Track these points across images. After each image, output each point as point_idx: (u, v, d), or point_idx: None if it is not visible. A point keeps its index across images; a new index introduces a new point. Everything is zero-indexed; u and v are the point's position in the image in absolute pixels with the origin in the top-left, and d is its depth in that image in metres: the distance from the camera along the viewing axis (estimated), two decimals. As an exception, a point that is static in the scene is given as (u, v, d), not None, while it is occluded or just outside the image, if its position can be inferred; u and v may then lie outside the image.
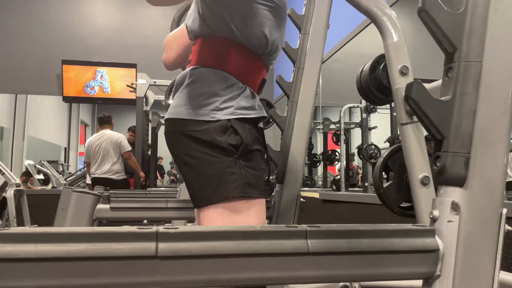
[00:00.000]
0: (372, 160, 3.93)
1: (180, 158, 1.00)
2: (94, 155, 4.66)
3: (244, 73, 1.03)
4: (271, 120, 1.65)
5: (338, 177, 4.42)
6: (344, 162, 4.41)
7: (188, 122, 0.97)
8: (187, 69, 1.05)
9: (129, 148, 4.73)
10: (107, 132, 4.81)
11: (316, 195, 3.16)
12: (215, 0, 1.00)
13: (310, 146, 5.32)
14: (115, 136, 4.77)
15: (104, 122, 4.94)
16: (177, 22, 1.64)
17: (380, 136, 4.11)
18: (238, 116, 0.97)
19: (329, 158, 5.11)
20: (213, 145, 0.94)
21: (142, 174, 4.78)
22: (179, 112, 0.99)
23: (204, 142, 0.95)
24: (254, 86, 1.07)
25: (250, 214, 0.95)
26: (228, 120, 0.96)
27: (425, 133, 0.69)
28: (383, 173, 1.21)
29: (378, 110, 4.22)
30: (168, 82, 3.98)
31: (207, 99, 0.97)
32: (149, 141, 5.41)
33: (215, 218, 0.94)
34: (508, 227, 0.60)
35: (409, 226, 0.60)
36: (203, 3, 1.02)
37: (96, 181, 4.47)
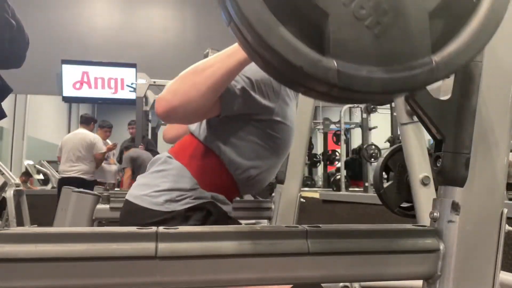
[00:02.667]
0: (372, 160, 3.94)
1: None
2: (65, 153, 4.68)
3: (213, 188, 1.01)
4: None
5: (338, 177, 4.43)
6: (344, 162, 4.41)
7: (147, 211, 0.95)
8: (165, 154, 1.05)
9: (100, 150, 4.73)
10: (81, 132, 4.83)
11: (316, 195, 3.16)
12: (216, 124, 0.99)
13: (310, 146, 5.32)
14: (89, 136, 4.77)
15: (82, 122, 4.97)
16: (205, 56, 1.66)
17: (380, 136, 4.12)
18: (196, 204, 0.96)
19: (329, 158, 5.11)
20: None
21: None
22: (139, 198, 0.98)
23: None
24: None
25: None
26: (186, 208, 0.95)
27: (426, 133, 0.70)
28: (383, 173, 1.21)
29: (378, 110, 4.22)
30: (168, 82, 3.97)
31: (167, 192, 0.96)
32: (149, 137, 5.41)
33: None
34: (508, 227, 0.60)
35: (409, 226, 0.60)
36: (206, 120, 1.02)
37: (65, 181, 4.47)
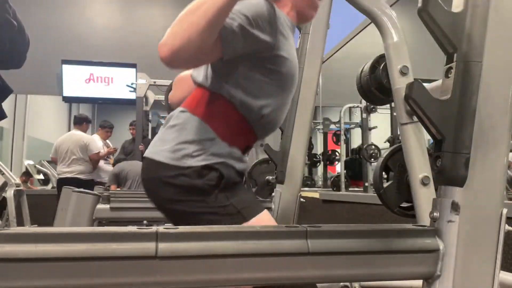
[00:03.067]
0: (372, 160, 3.94)
1: (165, 206, 0.99)
2: (61, 155, 4.70)
3: (228, 135, 1.01)
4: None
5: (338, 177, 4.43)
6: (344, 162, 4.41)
7: (165, 167, 0.96)
8: (178, 109, 1.06)
9: (96, 150, 4.70)
10: (75, 133, 4.84)
11: (316, 195, 3.16)
12: (221, 66, 0.99)
13: (310, 146, 5.31)
14: (83, 138, 4.78)
15: (75, 122, 4.95)
16: None
17: (380, 136, 4.12)
18: (211, 162, 0.96)
19: (329, 158, 5.11)
20: (193, 189, 0.94)
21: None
22: (156, 152, 0.99)
23: (184, 187, 0.94)
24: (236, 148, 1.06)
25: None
26: (202, 165, 0.95)
27: (425, 133, 0.70)
28: (383, 173, 1.21)
29: (378, 110, 4.22)
30: (168, 82, 3.98)
31: (184, 145, 0.97)
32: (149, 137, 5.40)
33: None
34: (508, 227, 0.60)
35: (409, 226, 0.60)
36: (210, 66, 1.02)
37: (64, 182, 4.49)
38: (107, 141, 5.38)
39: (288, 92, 1.07)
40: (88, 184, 4.52)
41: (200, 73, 1.06)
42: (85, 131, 4.96)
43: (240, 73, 0.99)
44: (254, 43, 0.94)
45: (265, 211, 0.98)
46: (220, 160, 0.97)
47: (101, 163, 5.17)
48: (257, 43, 0.94)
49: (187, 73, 1.24)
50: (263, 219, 0.95)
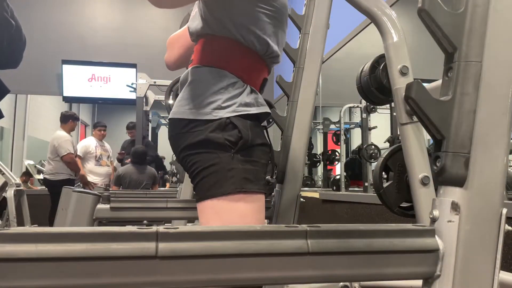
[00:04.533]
0: (372, 160, 3.94)
1: (183, 158, 1.00)
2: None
3: (245, 72, 1.03)
4: (271, 120, 1.65)
5: (338, 177, 4.43)
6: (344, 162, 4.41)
7: (189, 122, 0.97)
8: (189, 68, 1.06)
9: (64, 152, 4.63)
10: (56, 132, 4.82)
11: (316, 195, 3.16)
12: (216, 4, 1.00)
13: (310, 146, 5.32)
14: (57, 137, 4.75)
15: (60, 120, 4.90)
16: (187, 20, 1.65)
17: (380, 136, 4.12)
18: (240, 113, 0.98)
19: (329, 158, 5.11)
20: (210, 142, 0.95)
21: (82, 172, 4.77)
22: (181, 112, 1.00)
23: (202, 140, 0.95)
24: (256, 85, 1.08)
25: (247, 210, 0.95)
26: (228, 118, 0.96)
27: (425, 133, 0.70)
28: (383, 173, 1.21)
29: (378, 110, 4.22)
30: (168, 82, 3.97)
31: (208, 98, 0.97)
32: (149, 138, 5.40)
33: (212, 213, 0.95)
34: (508, 227, 0.60)
35: (409, 226, 0.60)
36: (204, 7, 1.02)
37: (43, 182, 4.54)
38: (104, 141, 5.36)
39: (283, 24, 1.10)
40: (56, 185, 4.46)
41: (197, 23, 1.06)
42: (71, 129, 4.90)
43: (237, 9, 1.00)
44: None
45: (262, 196, 0.98)
46: (248, 111, 0.98)
47: (91, 164, 5.13)
48: None
49: (178, 32, 1.24)
50: (253, 201, 0.96)
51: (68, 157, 4.62)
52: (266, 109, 1.05)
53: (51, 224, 4.26)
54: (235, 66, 1.02)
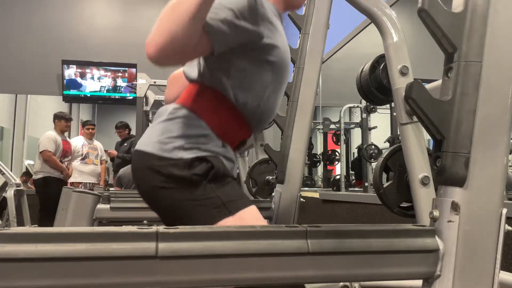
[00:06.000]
0: (372, 160, 3.93)
1: (151, 195, 0.99)
2: None
3: (222, 128, 1.01)
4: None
5: (338, 177, 4.43)
6: (344, 162, 4.41)
7: (155, 157, 0.96)
8: (171, 105, 1.05)
9: (42, 148, 4.58)
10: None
11: (316, 195, 3.16)
12: (216, 64, 1.00)
13: (310, 146, 5.31)
14: (43, 136, 4.71)
15: (53, 120, 4.87)
16: None
17: (380, 136, 4.12)
18: (203, 154, 0.96)
19: (329, 158, 5.11)
20: (182, 179, 0.94)
21: (66, 172, 4.74)
22: (148, 145, 0.99)
23: (173, 177, 0.94)
24: (231, 142, 1.06)
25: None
26: (193, 157, 0.95)
27: (425, 133, 0.69)
28: (383, 173, 1.21)
29: (378, 110, 4.21)
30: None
31: (177, 139, 0.97)
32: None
33: None
34: (508, 227, 0.60)
35: (409, 226, 0.60)
36: (204, 62, 1.02)
37: None
38: (93, 139, 5.34)
39: (281, 81, 1.08)
40: (39, 184, 4.50)
41: (194, 69, 1.06)
42: (62, 129, 4.86)
43: (233, 66, 1.00)
44: (242, 34, 0.94)
45: (253, 206, 0.97)
46: (213, 154, 0.97)
47: (76, 162, 5.11)
48: (245, 33, 0.95)
49: (180, 70, 1.24)
50: (249, 214, 0.94)
51: (44, 154, 4.57)
52: (230, 164, 1.02)
53: (41, 223, 4.25)
54: (215, 122, 1.00)
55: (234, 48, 0.96)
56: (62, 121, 4.85)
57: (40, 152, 4.58)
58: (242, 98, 1.01)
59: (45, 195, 4.46)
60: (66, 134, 5.07)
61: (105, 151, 5.43)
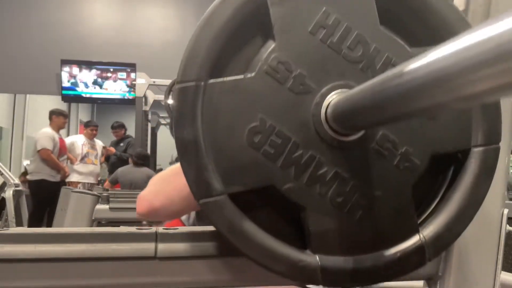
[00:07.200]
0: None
1: None
2: None
3: None
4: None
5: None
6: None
7: None
8: None
9: (40, 147, 4.41)
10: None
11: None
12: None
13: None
14: (38, 133, 4.58)
15: (49, 118, 4.74)
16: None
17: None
18: None
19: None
20: None
21: (64, 171, 4.61)
22: None
23: None
24: None
25: None
26: None
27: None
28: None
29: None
30: (167, 82, 3.97)
31: None
32: (148, 141, 5.38)
33: None
34: (509, 228, 0.60)
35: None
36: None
37: None
38: (95, 139, 5.32)
39: None
40: (33, 185, 4.35)
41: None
42: (59, 126, 4.76)
43: None
44: None
45: None
46: None
47: (78, 163, 5.08)
48: None
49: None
50: None
51: (43, 153, 4.40)
52: None
53: (30, 225, 4.11)
54: None
55: None
56: (60, 117, 4.77)
57: (38, 151, 4.45)
58: None
59: (36, 198, 4.33)
60: (62, 132, 5.05)
61: (104, 147, 5.42)
